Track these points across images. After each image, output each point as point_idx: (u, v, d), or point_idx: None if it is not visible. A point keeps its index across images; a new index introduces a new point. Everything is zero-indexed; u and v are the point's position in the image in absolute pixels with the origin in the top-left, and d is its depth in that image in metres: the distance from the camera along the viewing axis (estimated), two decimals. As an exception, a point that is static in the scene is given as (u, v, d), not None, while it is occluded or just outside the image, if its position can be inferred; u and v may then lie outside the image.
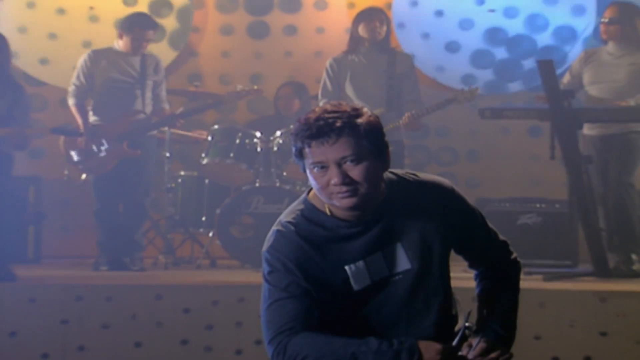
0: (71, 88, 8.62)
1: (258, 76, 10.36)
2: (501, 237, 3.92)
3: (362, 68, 8.47)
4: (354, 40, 8.47)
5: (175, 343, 6.50)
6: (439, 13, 10.51)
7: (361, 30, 8.38)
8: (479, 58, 10.52)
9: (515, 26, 10.49)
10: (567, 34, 10.47)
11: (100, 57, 8.64)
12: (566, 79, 8.40)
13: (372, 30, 8.35)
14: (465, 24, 10.47)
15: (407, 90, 8.49)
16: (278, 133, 8.78)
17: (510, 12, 10.44)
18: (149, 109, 8.64)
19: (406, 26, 10.56)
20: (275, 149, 8.76)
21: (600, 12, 9.48)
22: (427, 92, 9.22)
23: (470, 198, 7.84)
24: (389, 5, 10.27)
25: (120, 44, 8.61)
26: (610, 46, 8.17)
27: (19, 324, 6.94)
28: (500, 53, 10.47)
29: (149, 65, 8.73)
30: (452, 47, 10.55)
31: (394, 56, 8.52)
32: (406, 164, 8.69)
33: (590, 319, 6.98)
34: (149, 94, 8.74)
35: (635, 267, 7.99)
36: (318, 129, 3.48)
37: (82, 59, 8.69)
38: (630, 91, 8.00)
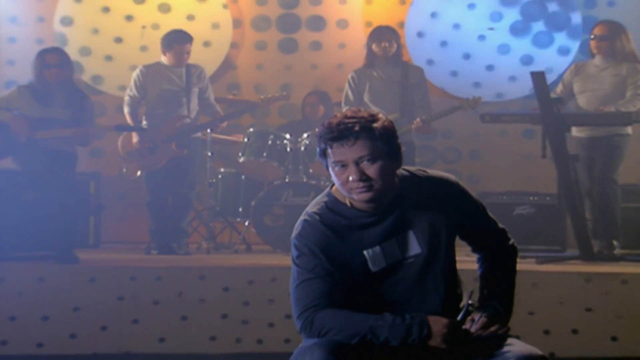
0: (126, 98, 8.69)
1: (287, 86, 10.39)
2: (500, 225, 3.91)
3: (379, 80, 8.49)
4: (370, 56, 8.51)
5: (216, 317, 6.51)
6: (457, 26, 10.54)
7: (374, 48, 8.44)
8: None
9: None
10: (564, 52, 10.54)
11: (150, 71, 8.68)
12: (559, 88, 8.40)
13: (384, 48, 8.40)
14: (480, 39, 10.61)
15: (418, 99, 8.49)
16: (305, 135, 8.77)
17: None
18: (193, 114, 8.67)
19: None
20: (302, 149, 8.74)
21: (586, 31, 9.69)
22: (435, 100, 9.22)
23: (472, 191, 8.20)
24: (402, 24, 10.36)
25: (165, 59, 8.63)
26: (597, 59, 8.16)
27: (81, 300, 6.96)
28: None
29: (192, 75, 8.72)
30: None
31: (407, 69, 8.55)
32: (416, 162, 8.76)
33: (577, 296, 7.02)
34: (194, 101, 8.73)
35: (616, 251, 8.00)
36: (339, 132, 3.50)
37: (135, 73, 8.76)
38: (613, 99, 7.98)
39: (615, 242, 8.03)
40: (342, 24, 10.57)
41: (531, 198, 9.31)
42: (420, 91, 8.57)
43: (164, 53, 8.66)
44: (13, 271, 7.24)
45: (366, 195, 3.58)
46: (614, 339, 6.92)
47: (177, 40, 8.64)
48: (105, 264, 7.78)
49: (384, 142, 3.60)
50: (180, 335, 6.96)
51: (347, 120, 3.55)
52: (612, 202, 8.10)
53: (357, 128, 3.54)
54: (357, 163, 3.55)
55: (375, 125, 3.58)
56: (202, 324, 6.54)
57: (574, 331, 6.95)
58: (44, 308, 7.01)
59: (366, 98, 8.52)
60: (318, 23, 10.61)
